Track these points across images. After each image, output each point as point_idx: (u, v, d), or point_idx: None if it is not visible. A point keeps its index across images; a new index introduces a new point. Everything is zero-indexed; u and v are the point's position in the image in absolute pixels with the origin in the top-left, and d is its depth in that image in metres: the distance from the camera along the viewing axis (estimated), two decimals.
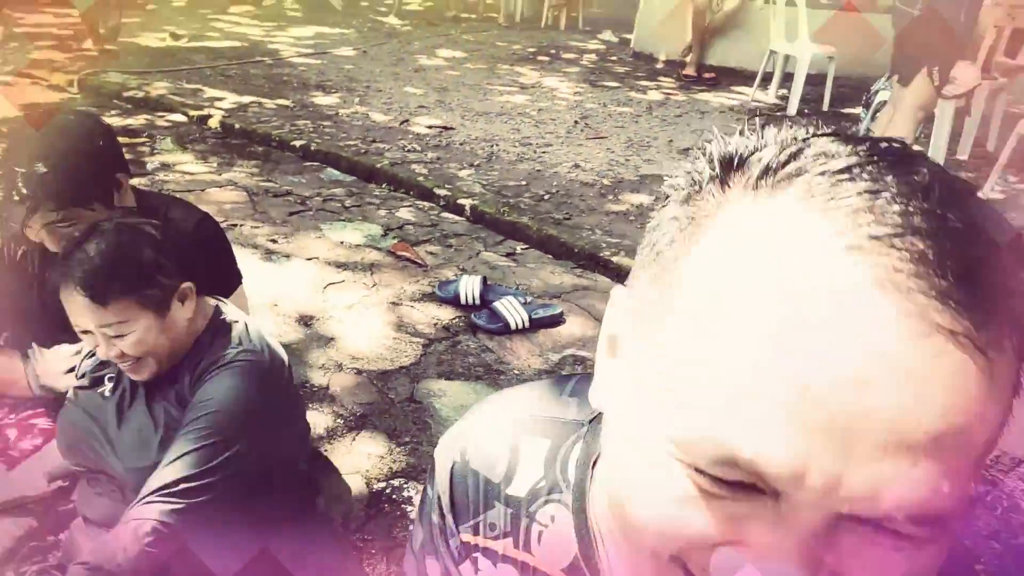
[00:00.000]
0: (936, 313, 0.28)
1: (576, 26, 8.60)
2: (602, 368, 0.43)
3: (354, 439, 1.88)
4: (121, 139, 1.36)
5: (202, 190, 3.31)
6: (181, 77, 5.23)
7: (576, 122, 4.79)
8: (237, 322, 1.22)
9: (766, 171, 0.33)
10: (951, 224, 0.29)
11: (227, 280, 1.69)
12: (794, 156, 0.33)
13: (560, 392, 0.58)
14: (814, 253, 0.29)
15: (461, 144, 4.20)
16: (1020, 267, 0.30)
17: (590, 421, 0.55)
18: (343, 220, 3.16)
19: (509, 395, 0.61)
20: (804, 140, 0.34)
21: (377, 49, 6.80)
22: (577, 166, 3.93)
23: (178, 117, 4.44)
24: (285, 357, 1.25)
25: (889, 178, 0.30)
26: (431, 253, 2.93)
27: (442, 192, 3.44)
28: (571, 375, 0.62)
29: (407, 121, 4.59)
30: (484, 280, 2.56)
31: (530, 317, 2.43)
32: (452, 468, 0.59)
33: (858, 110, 4.41)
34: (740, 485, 0.31)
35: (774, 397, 0.29)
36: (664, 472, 0.33)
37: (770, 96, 5.64)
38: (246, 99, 4.78)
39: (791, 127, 0.36)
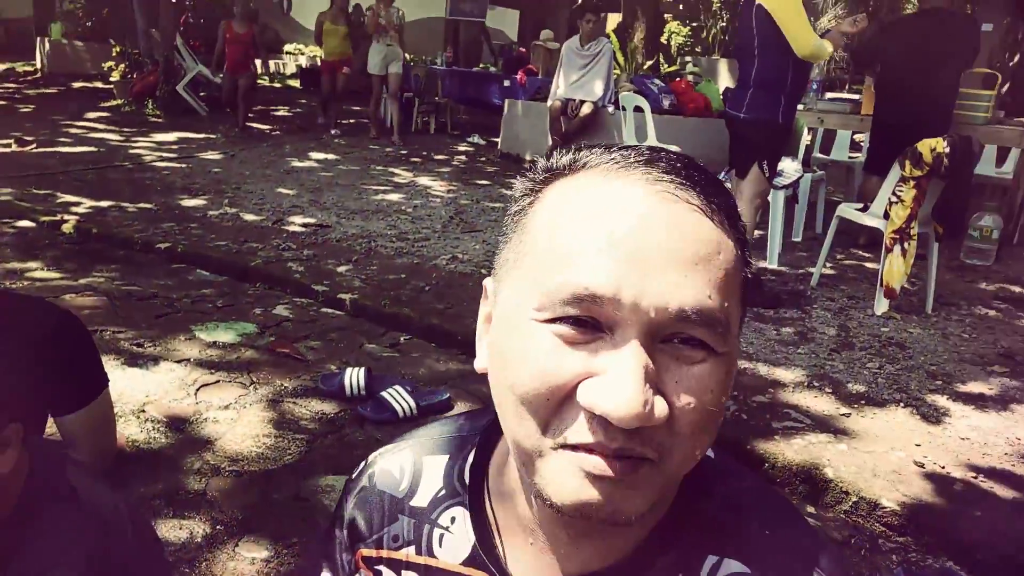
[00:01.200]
0: (679, 190, 0.45)
1: (446, 130, 9.02)
2: (482, 341, 0.54)
3: (236, 545, 1.74)
4: None
5: (55, 297, 3.08)
6: (30, 183, 4.93)
7: (451, 217, 4.95)
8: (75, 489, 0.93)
9: (570, 163, 0.49)
10: (681, 158, 0.48)
11: (91, 383, 1.59)
12: (586, 153, 0.50)
13: (455, 420, 0.67)
14: (602, 175, 0.47)
15: (338, 241, 4.21)
16: (725, 192, 0.48)
17: (483, 431, 0.61)
18: (215, 320, 3.03)
19: (410, 432, 0.68)
20: (591, 147, 0.50)
21: (246, 153, 6.77)
22: (455, 258, 4.04)
23: (26, 223, 4.16)
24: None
25: (647, 153, 0.48)
26: (311, 348, 2.86)
27: (320, 288, 3.41)
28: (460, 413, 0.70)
29: (281, 220, 4.55)
30: (368, 371, 2.53)
31: (418, 404, 2.41)
32: (359, 492, 0.65)
33: None
34: (587, 326, 0.43)
35: (593, 246, 0.43)
36: (534, 339, 0.45)
37: None
38: (104, 203, 4.58)
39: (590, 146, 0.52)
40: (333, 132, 8.06)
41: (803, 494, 2.19)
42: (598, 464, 0.43)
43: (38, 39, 11.68)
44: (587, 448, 0.43)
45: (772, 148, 3.47)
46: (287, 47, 17.24)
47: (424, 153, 7.46)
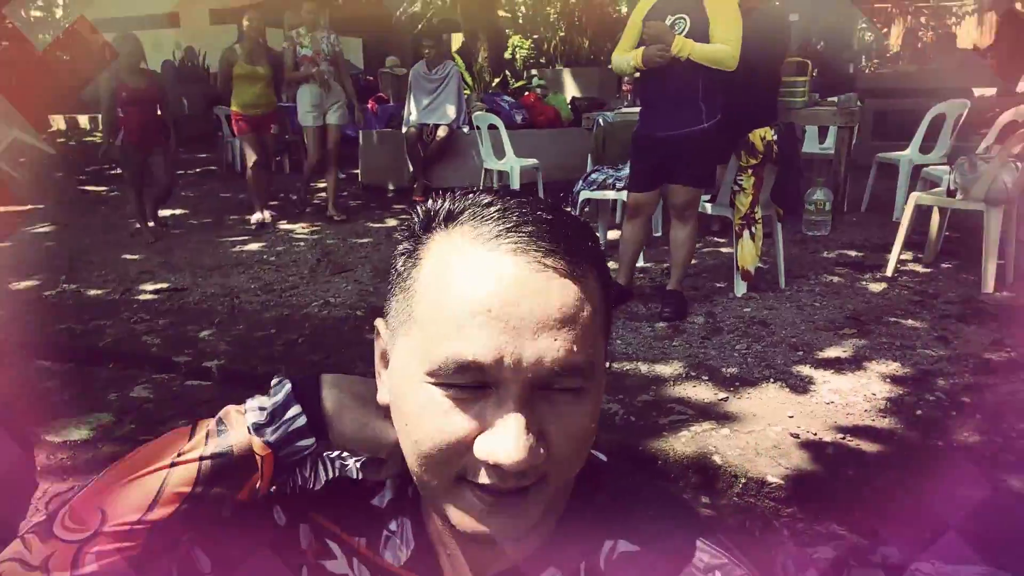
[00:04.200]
0: (544, 257, 0.52)
1: (301, 167, 8.74)
2: (380, 378, 0.61)
3: None
4: None
5: None
6: None
7: (319, 260, 4.78)
8: None
9: (448, 215, 0.56)
10: (545, 217, 0.54)
11: None
12: (463, 204, 0.56)
13: None
14: (480, 245, 0.52)
15: (196, 304, 3.94)
16: (588, 235, 0.56)
17: None
18: (62, 417, 2.74)
19: None
20: (469, 195, 0.56)
21: (82, 220, 6.23)
22: (328, 303, 3.90)
23: None
24: None
25: (512, 203, 0.54)
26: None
27: (181, 359, 3.17)
28: None
29: (129, 290, 4.21)
30: None
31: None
32: (330, 464, 0.70)
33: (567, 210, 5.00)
34: (474, 388, 0.51)
35: (474, 320, 0.50)
36: (429, 401, 0.52)
37: None
38: None
39: (465, 194, 0.58)
40: (265, 216, 5.78)
41: (697, 484, 2.27)
42: (494, 501, 0.53)
43: None
44: (483, 487, 0.53)
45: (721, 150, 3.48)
46: None
47: (281, 195, 7.18)
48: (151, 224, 5.53)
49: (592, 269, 0.54)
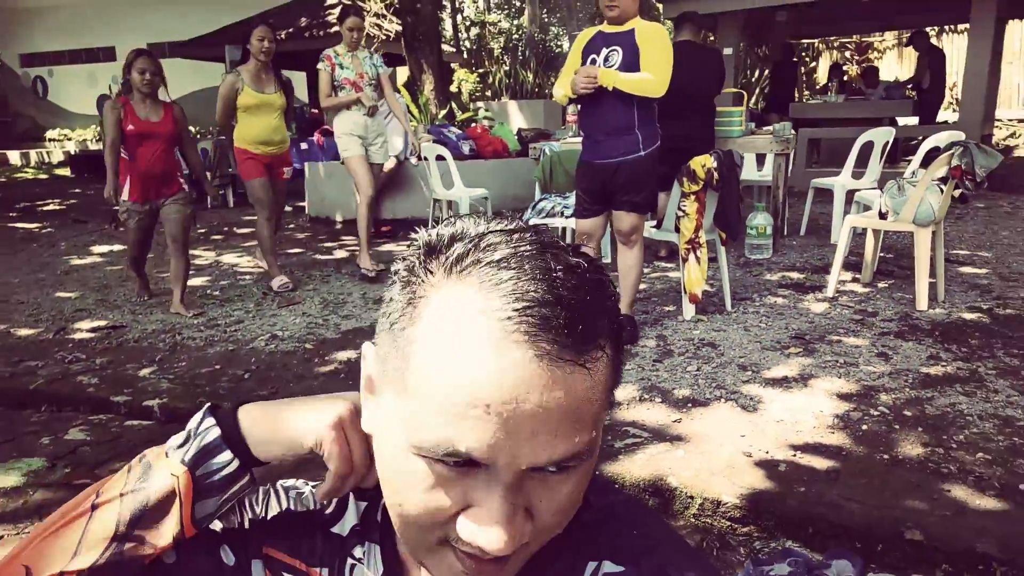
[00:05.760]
0: (555, 350, 0.46)
1: (245, 202, 8.58)
2: (366, 403, 0.57)
3: None
4: None
5: None
6: None
7: (265, 293, 4.67)
8: None
9: (456, 261, 0.49)
10: (562, 294, 0.47)
11: None
12: (473, 249, 0.49)
13: None
14: (486, 324, 0.46)
15: (136, 341, 3.79)
16: (606, 308, 0.50)
17: None
18: None
19: None
20: (481, 235, 0.50)
21: (11, 258, 5.96)
22: (274, 336, 3.80)
23: None
24: None
25: (527, 264, 0.48)
26: (114, 471, 2.52)
27: (120, 399, 3.03)
28: None
29: (64, 329, 4.02)
30: None
31: None
32: (295, 495, 0.67)
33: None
34: (464, 464, 0.48)
35: (472, 412, 0.46)
36: (415, 470, 0.49)
37: None
38: None
39: (475, 221, 0.52)
40: (284, 279, 4.73)
41: (655, 506, 2.28)
42: (476, 568, 0.51)
43: None
44: (464, 552, 0.50)
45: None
46: (49, 133, 15.67)
47: (225, 229, 7.03)
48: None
49: (607, 341, 0.50)
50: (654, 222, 4.11)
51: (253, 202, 4.78)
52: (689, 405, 2.81)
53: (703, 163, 3.55)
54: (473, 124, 8.07)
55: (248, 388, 3.13)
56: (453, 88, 11.93)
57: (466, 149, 7.00)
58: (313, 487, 0.68)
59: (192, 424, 0.62)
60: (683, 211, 3.66)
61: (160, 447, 0.62)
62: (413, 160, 6.48)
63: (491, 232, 0.51)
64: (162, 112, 4.08)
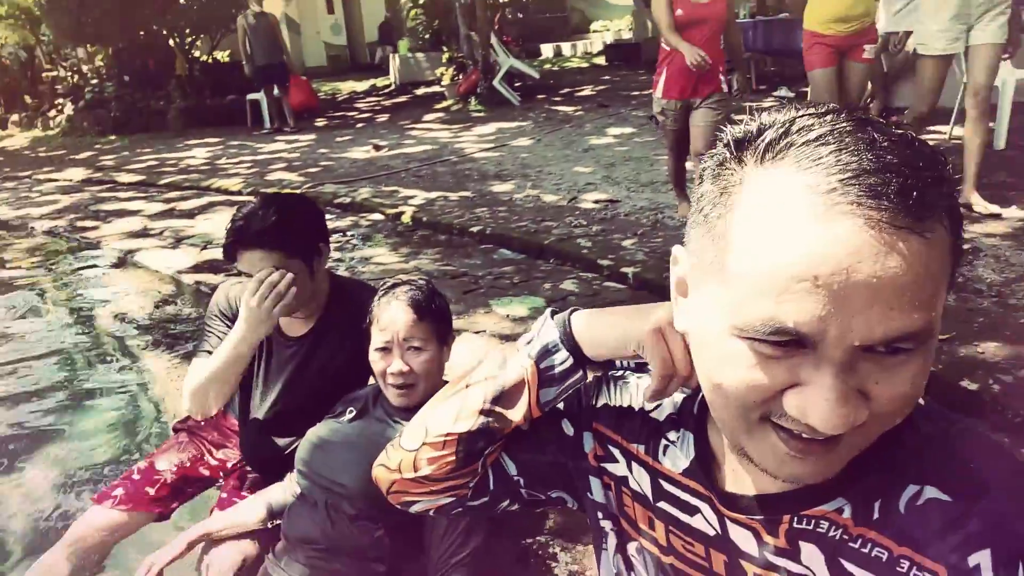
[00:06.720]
0: (887, 216, 0.44)
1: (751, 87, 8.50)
2: (679, 305, 0.60)
3: None
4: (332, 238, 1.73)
5: (391, 277, 3.73)
6: (381, 182, 5.98)
7: None
8: None
9: (768, 148, 0.49)
10: (891, 161, 0.45)
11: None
12: (784, 134, 0.49)
13: None
14: (807, 198, 0.45)
15: (626, 215, 4.32)
16: (943, 179, 0.46)
17: None
18: (510, 295, 3.38)
19: None
20: (791, 119, 0.49)
21: (551, 136, 7.25)
22: None
23: (377, 216, 5.07)
24: None
25: (848, 139, 0.46)
26: None
27: (605, 263, 3.56)
28: None
29: (575, 198, 4.82)
30: None
31: None
32: (620, 381, 0.77)
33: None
34: (788, 344, 0.47)
35: (799, 286, 0.45)
36: (736, 351, 0.50)
37: None
38: (433, 195, 5.34)
39: (780, 110, 0.51)
40: None
41: None
42: (801, 448, 0.51)
43: (391, 56, 13.91)
44: (790, 432, 0.50)
45: None
46: (593, 25, 17.82)
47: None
48: None
49: (944, 217, 0.46)
50: None
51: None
52: None
53: None
54: None
55: None
56: None
57: None
58: (638, 377, 0.76)
59: (537, 325, 0.74)
60: None
61: (514, 346, 0.76)
62: None
63: (801, 116, 0.49)
64: None
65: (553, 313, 0.74)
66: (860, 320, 0.45)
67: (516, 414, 0.74)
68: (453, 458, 0.77)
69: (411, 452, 0.79)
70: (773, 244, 0.46)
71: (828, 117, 0.48)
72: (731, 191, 0.50)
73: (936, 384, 2.16)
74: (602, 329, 0.70)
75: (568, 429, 0.78)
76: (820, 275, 0.44)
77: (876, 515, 0.55)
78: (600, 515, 0.77)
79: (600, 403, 0.77)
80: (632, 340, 0.67)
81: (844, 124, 0.47)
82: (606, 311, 0.71)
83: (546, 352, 0.72)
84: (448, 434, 0.76)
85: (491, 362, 0.76)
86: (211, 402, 1.63)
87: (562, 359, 0.71)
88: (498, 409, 0.74)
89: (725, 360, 0.51)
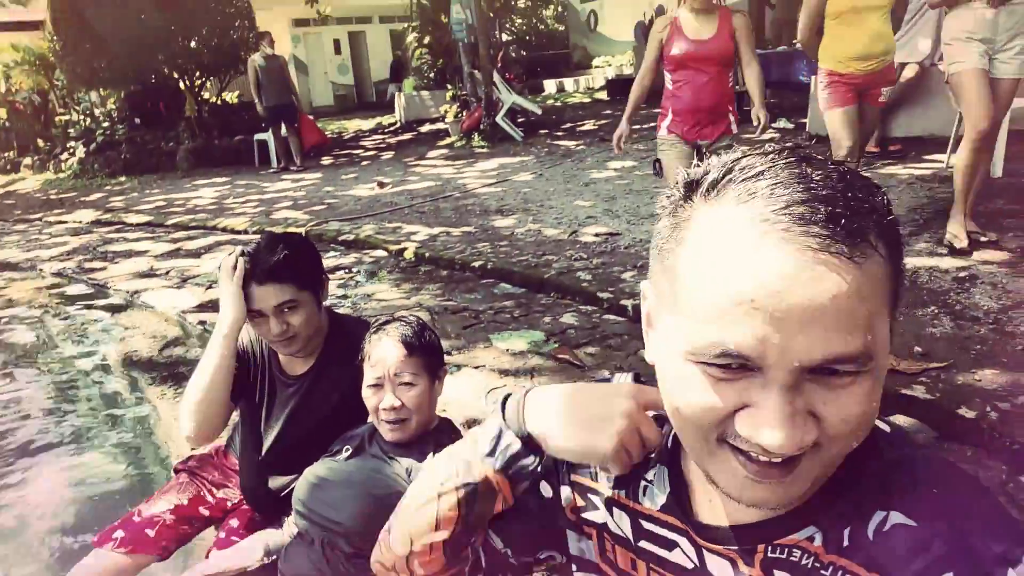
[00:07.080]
0: (816, 243, 0.47)
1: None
2: (648, 337, 0.63)
3: None
4: (333, 277, 1.78)
5: (392, 313, 3.76)
6: (384, 218, 6.05)
7: None
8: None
9: (711, 185, 0.53)
10: (820, 193, 0.49)
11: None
12: (728, 172, 0.53)
13: None
14: (745, 229, 0.49)
15: (626, 248, 4.35)
16: (874, 208, 0.50)
17: None
18: (510, 330, 3.40)
19: None
20: (736, 159, 0.53)
21: (552, 170, 7.34)
22: None
23: (380, 252, 5.12)
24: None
25: (783, 173, 0.50)
26: (590, 354, 3.04)
27: (605, 295, 3.58)
28: None
29: (575, 232, 4.86)
30: (636, 375, 2.59)
31: None
32: None
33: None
34: (737, 368, 0.50)
35: (739, 310, 0.48)
36: (690, 375, 0.53)
37: None
38: (436, 230, 5.40)
39: (728, 151, 0.55)
40: None
41: None
42: (759, 471, 0.52)
43: (396, 94, 14.17)
44: (746, 454, 0.52)
45: None
46: (595, 61, 18.10)
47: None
48: None
49: (879, 242, 0.49)
50: None
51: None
52: None
53: None
54: None
55: None
56: None
57: None
58: None
59: (491, 432, 0.72)
60: None
61: (474, 444, 0.73)
62: (941, 66, 5.49)
63: (746, 156, 0.53)
64: (716, 24, 3.21)
65: (503, 402, 0.73)
66: (799, 341, 0.47)
67: (494, 509, 0.75)
68: (443, 558, 0.77)
69: (401, 557, 0.80)
70: (715, 272, 0.50)
71: (769, 156, 0.52)
72: (682, 227, 0.54)
73: (934, 412, 2.15)
74: (560, 442, 0.69)
75: (546, 491, 0.79)
76: (757, 299, 0.47)
77: (846, 542, 0.57)
78: (575, 567, 0.78)
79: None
80: (594, 457, 0.67)
81: (782, 161, 0.51)
82: (566, 410, 0.69)
83: (513, 458, 0.72)
84: (432, 543, 0.76)
85: (457, 459, 0.75)
86: (202, 418, 1.63)
87: (530, 461, 0.72)
88: (476, 510, 0.74)
89: (682, 384, 0.54)
